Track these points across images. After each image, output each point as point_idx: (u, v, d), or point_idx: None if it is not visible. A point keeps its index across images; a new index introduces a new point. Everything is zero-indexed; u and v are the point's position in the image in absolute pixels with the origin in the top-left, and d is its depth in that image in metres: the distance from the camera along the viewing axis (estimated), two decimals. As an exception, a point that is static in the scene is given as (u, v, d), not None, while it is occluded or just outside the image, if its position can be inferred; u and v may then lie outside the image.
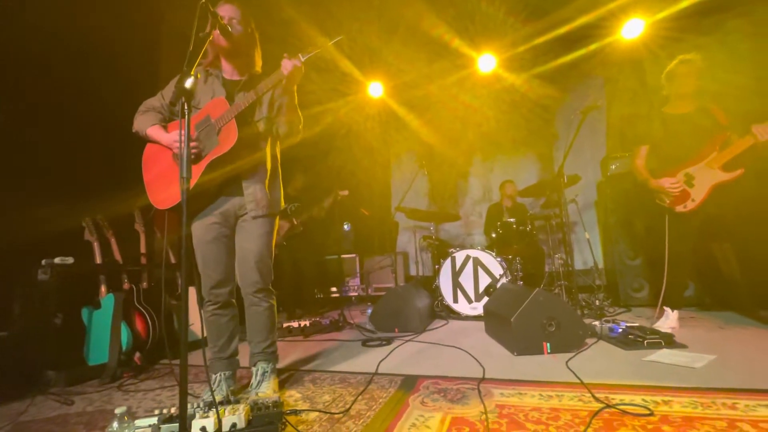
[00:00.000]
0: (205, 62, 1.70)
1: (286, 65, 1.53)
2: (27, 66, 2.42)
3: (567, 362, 1.83)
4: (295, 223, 3.87)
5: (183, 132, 1.07)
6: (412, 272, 5.33)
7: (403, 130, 5.40)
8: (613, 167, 3.66)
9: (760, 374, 1.54)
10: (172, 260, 2.83)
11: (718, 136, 2.27)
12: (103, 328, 2.27)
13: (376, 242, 5.42)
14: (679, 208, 2.34)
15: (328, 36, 1.56)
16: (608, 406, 1.31)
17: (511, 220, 3.67)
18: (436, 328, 2.96)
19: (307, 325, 3.01)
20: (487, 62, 4.14)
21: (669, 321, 2.39)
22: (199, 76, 1.57)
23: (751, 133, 2.14)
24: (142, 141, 1.71)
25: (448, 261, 3.46)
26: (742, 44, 3.13)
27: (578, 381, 1.57)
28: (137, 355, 2.30)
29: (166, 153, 1.63)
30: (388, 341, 2.53)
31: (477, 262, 3.34)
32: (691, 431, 1.12)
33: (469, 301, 3.30)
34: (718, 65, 2.42)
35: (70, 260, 2.28)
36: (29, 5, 2.38)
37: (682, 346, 1.96)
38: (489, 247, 3.51)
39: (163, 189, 1.61)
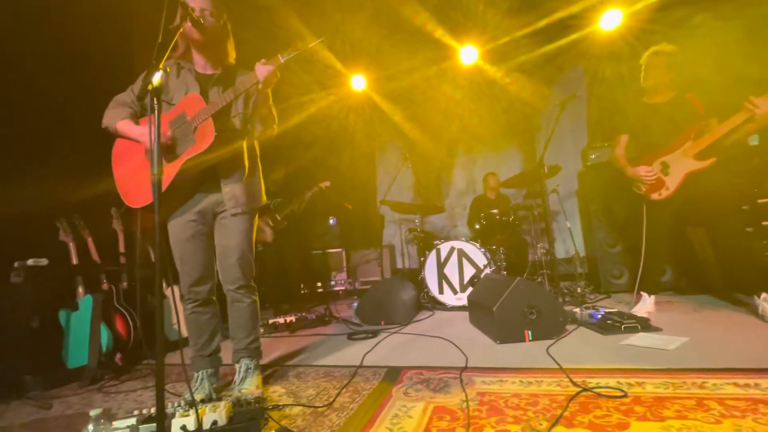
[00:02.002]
0: (175, 54, 1.66)
1: (261, 71, 1.49)
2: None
3: (547, 349, 1.87)
4: (279, 219, 3.84)
5: (153, 127, 1.05)
6: (399, 265, 5.36)
7: (387, 123, 5.37)
8: (593, 157, 3.72)
9: (728, 354, 1.60)
10: (153, 259, 2.78)
11: (693, 125, 2.32)
12: (82, 330, 2.22)
13: (363, 236, 5.41)
14: (654, 196, 2.40)
15: (309, 27, 1.52)
16: (585, 389, 1.35)
17: (495, 211, 3.71)
18: (422, 319, 2.99)
19: (293, 320, 3.00)
20: (468, 54, 4.14)
21: (646, 306, 2.46)
22: (168, 70, 1.53)
23: (746, 107, 2.06)
24: (115, 137, 1.66)
25: (433, 253, 3.48)
26: (706, 38, 3.24)
27: (557, 366, 1.60)
28: (118, 356, 2.26)
29: (138, 149, 1.59)
30: (374, 334, 2.54)
31: (461, 254, 3.37)
32: (661, 410, 1.16)
33: (454, 291, 3.34)
34: (689, 57, 2.47)
35: (44, 261, 2.21)
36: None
37: (657, 330, 2.02)
38: (473, 239, 3.55)
39: (136, 187, 1.57)
